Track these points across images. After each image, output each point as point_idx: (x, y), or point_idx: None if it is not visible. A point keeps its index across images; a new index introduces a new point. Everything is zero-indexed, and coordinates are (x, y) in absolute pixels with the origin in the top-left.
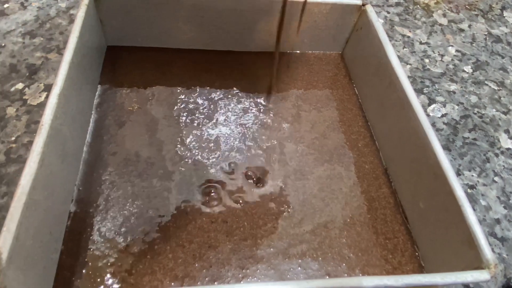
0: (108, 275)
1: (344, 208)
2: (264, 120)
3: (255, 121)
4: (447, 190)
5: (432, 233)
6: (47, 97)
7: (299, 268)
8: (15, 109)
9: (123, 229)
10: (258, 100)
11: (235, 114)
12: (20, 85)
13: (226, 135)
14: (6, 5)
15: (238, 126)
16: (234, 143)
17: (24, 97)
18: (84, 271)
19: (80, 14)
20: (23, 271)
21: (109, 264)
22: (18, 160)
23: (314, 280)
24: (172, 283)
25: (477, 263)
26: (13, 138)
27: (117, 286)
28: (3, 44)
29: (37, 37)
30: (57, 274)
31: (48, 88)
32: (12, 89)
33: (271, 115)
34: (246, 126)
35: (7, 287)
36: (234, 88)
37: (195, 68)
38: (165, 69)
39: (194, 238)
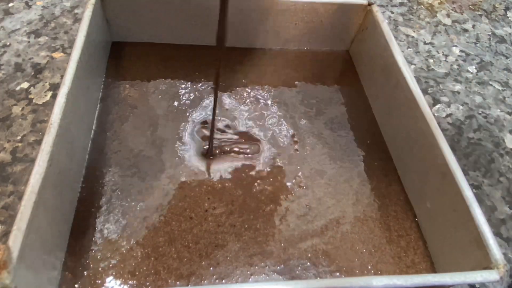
0: (111, 277)
1: (355, 204)
2: (271, 117)
3: (261, 118)
4: (455, 190)
5: (440, 232)
6: (52, 96)
7: (309, 263)
8: (20, 108)
9: (125, 232)
10: (263, 97)
11: (240, 110)
12: (25, 84)
13: (231, 132)
14: (11, 4)
15: (245, 123)
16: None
17: (29, 96)
18: (85, 272)
19: (87, 14)
20: (32, 270)
21: (111, 265)
22: (24, 159)
23: (324, 280)
24: (178, 282)
25: (486, 263)
26: (19, 137)
27: (120, 287)
28: (8, 43)
29: (42, 36)
30: (62, 273)
31: (53, 87)
32: (18, 88)
33: (278, 111)
34: (252, 122)
35: (17, 286)
36: (240, 83)
37: (200, 63)
38: (169, 64)
39: (200, 239)
